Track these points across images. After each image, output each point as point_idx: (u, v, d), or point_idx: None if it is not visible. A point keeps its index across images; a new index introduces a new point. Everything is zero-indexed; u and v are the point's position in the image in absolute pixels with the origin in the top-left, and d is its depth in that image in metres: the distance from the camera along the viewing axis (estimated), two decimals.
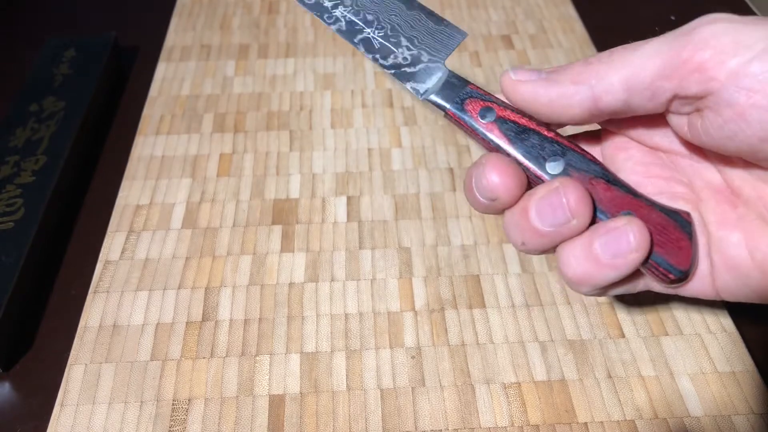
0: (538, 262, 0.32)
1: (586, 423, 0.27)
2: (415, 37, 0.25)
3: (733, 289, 0.22)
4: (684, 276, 0.21)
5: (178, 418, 0.27)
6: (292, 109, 0.41)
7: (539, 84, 0.22)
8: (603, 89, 0.20)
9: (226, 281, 0.32)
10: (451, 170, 0.37)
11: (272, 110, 0.41)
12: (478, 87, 0.24)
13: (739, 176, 0.22)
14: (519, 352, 0.29)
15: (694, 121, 0.20)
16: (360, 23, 0.25)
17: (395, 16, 0.25)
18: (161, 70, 0.44)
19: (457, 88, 0.23)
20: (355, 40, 0.25)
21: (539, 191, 0.22)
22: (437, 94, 0.24)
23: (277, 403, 0.28)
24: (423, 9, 0.25)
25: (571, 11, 0.48)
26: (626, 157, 0.24)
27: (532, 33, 0.46)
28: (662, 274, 0.21)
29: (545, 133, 0.22)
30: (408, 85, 0.24)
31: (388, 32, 0.25)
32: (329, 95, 0.42)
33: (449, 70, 0.24)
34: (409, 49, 0.24)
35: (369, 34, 0.25)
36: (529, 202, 0.22)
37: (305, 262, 0.33)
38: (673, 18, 0.47)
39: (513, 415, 0.27)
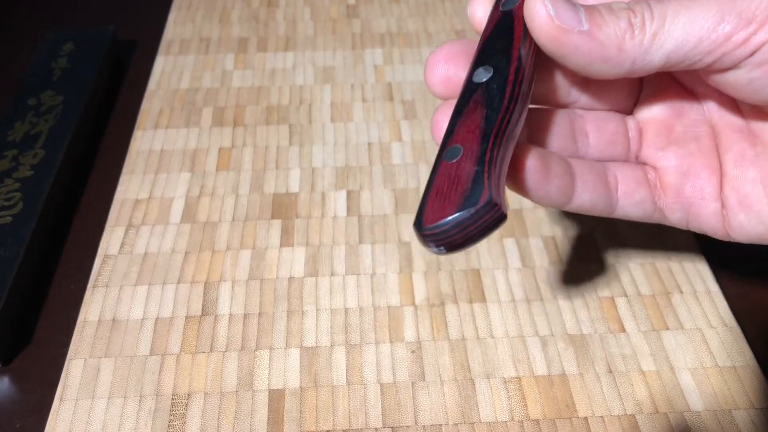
0: (538, 256, 0.32)
1: (586, 417, 0.27)
2: None
3: (747, 227, 0.22)
4: (420, 230, 0.18)
5: (177, 412, 0.27)
6: (292, 103, 0.41)
7: (582, 38, 0.19)
8: (643, 65, 0.20)
9: (226, 276, 0.32)
10: None
11: (272, 104, 0.41)
12: None
13: (761, 120, 0.22)
14: (519, 346, 0.29)
15: (720, 76, 0.20)
16: None
17: None
18: (160, 63, 0.44)
19: None
20: None
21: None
22: None
23: (276, 397, 0.28)
24: None
25: None
26: (657, 90, 0.24)
27: None
28: (416, 218, 0.18)
29: (518, 44, 0.20)
30: None
31: None
32: (329, 89, 0.42)
33: None
34: None
35: None
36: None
37: (305, 256, 0.33)
38: None
39: (513, 410, 0.27)
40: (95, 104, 0.41)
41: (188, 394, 0.28)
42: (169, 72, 0.43)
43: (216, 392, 0.28)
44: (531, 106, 0.22)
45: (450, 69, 0.22)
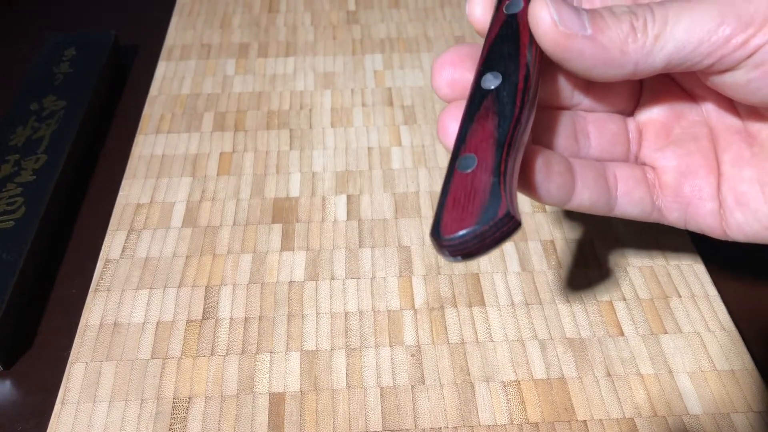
0: (537, 260, 0.33)
1: (585, 421, 0.27)
2: None
3: (743, 225, 0.22)
4: (438, 240, 0.18)
5: (178, 416, 0.27)
6: (292, 108, 0.41)
7: (586, 43, 0.20)
8: (645, 67, 0.20)
9: (227, 279, 0.32)
10: None
11: (272, 109, 0.41)
12: None
13: (758, 121, 0.23)
14: (518, 350, 0.29)
15: (719, 77, 0.21)
16: None
17: None
18: (161, 68, 0.44)
19: None
20: None
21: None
22: None
23: (277, 401, 0.28)
24: None
25: None
26: (657, 93, 0.25)
27: None
28: (433, 227, 0.19)
29: (524, 51, 0.21)
30: None
31: None
32: (329, 94, 0.42)
33: None
34: None
35: None
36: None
37: (305, 260, 0.33)
38: None
39: (512, 413, 0.27)
40: (97, 109, 0.41)
41: (189, 398, 0.28)
42: (171, 77, 0.43)
43: (217, 396, 0.28)
44: None
45: (456, 72, 0.22)
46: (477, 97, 0.21)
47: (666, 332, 0.30)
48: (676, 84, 0.25)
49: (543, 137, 0.24)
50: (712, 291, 0.31)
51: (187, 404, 0.28)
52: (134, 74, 0.45)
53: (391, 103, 0.41)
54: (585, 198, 0.23)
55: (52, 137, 0.37)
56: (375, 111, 0.41)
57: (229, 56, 0.45)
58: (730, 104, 0.23)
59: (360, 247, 0.33)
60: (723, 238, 0.23)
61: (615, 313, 0.30)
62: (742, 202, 0.22)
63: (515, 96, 0.20)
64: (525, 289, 0.31)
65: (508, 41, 0.21)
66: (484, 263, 0.32)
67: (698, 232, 0.24)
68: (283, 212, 0.35)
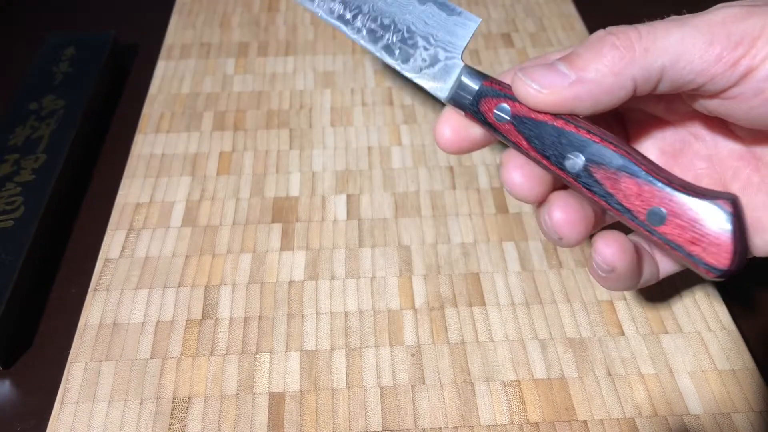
0: (537, 260, 0.32)
1: (585, 421, 0.27)
2: (430, 34, 0.23)
3: (760, 249, 0.22)
4: (725, 274, 0.20)
5: (178, 416, 0.27)
6: (292, 108, 0.41)
7: (577, 87, 0.20)
8: (643, 82, 0.20)
9: (226, 279, 0.32)
10: (450, 168, 0.37)
11: (272, 108, 0.41)
12: (493, 82, 0.22)
13: (763, 144, 0.22)
14: (519, 350, 0.29)
15: (717, 105, 0.20)
16: (379, 30, 0.24)
17: (408, 15, 0.24)
18: (161, 68, 0.44)
19: (472, 86, 0.23)
20: (378, 48, 0.24)
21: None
22: (455, 96, 0.23)
23: (276, 400, 0.28)
24: (434, 1, 0.24)
25: (572, 9, 0.48)
26: (648, 136, 0.24)
27: (532, 31, 0.46)
28: (704, 272, 0.21)
29: (562, 125, 0.21)
30: (429, 89, 0.23)
31: (405, 34, 0.24)
32: (329, 93, 0.42)
33: (465, 66, 0.23)
34: (426, 49, 0.23)
35: (388, 40, 0.24)
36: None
37: (305, 260, 0.33)
38: None
39: (513, 413, 0.27)
40: (96, 108, 0.41)
41: (189, 398, 0.28)
42: (170, 76, 0.43)
43: (216, 395, 0.28)
44: None
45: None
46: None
47: (667, 332, 0.30)
48: (668, 123, 0.24)
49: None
50: (713, 290, 0.31)
51: (186, 404, 0.28)
52: (134, 74, 0.45)
53: (391, 103, 0.41)
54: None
55: (52, 137, 0.37)
56: (375, 110, 0.41)
57: (229, 55, 0.45)
58: (728, 131, 0.23)
59: (360, 246, 0.33)
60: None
61: (615, 312, 0.30)
62: (758, 228, 0.22)
63: (606, 146, 0.21)
64: (525, 289, 0.31)
65: (544, 128, 0.21)
66: (484, 262, 0.32)
67: None
68: (282, 212, 0.35)
